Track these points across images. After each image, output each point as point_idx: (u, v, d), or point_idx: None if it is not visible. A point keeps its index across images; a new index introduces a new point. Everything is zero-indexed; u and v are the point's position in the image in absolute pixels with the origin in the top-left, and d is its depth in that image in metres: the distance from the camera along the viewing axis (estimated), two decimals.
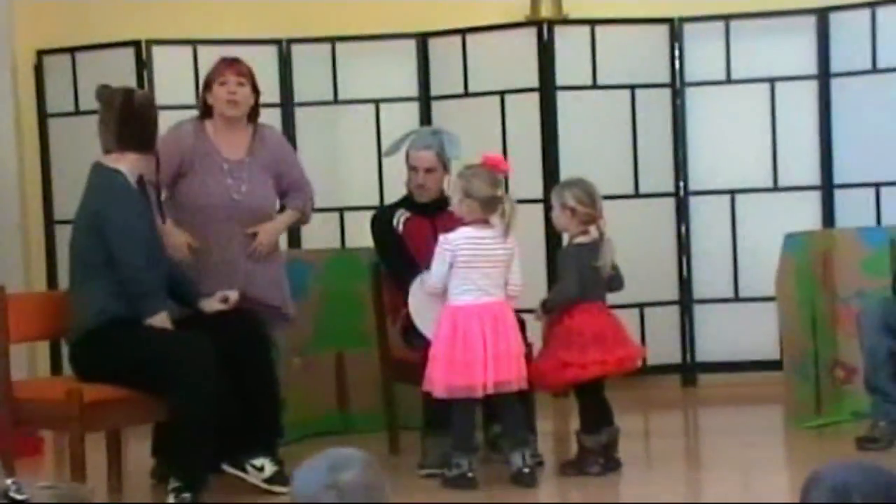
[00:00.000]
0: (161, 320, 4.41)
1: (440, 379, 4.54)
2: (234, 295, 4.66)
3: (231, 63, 4.84)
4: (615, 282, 4.83)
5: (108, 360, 4.37)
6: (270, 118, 6.08)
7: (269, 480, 4.56)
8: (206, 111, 4.86)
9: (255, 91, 4.87)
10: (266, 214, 4.90)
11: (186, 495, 4.28)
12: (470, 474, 4.55)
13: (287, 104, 6.47)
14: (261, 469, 4.55)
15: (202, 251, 4.77)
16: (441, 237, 4.69)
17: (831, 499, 1.80)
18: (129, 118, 4.45)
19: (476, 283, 4.57)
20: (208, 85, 4.84)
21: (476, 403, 4.60)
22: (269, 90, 6.24)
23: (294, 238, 6.38)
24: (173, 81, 6.24)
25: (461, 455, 4.56)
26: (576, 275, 4.70)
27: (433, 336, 4.64)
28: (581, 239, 4.77)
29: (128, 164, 4.46)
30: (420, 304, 4.79)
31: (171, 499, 4.29)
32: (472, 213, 4.62)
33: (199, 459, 4.35)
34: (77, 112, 6.42)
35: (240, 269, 4.80)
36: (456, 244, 4.60)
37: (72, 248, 4.56)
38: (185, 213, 4.80)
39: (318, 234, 6.42)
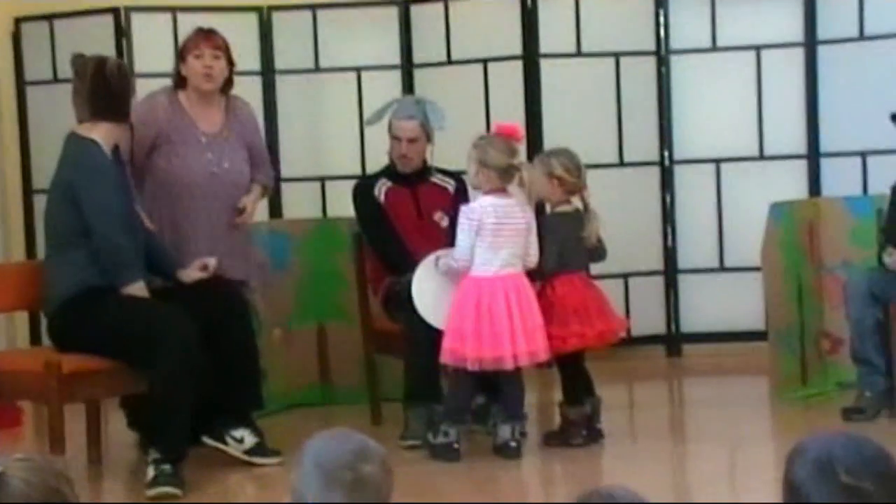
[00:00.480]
0: (139, 290, 4.38)
1: (471, 352, 4.48)
2: (212, 262, 4.64)
3: (207, 35, 4.78)
4: (598, 253, 4.82)
5: (85, 331, 4.35)
6: (251, 86, 6.05)
7: (249, 452, 4.56)
8: (180, 82, 4.81)
9: (231, 63, 4.83)
10: (244, 188, 4.88)
11: (166, 467, 4.27)
12: (456, 445, 4.55)
13: (268, 72, 6.42)
14: (241, 441, 4.55)
15: (181, 226, 4.73)
16: (463, 207, 4.64)
17: (814, 471, 1.79)
18: (102, 87, 4.42)
19: (499, 254, 4.53)
20: (183, 56, 4.78)
21: (476, 376, 4.57)
22: (250, 58, 6.21)
23: (275, 208, 6.35)
24: (153, 49, 6.17)
25: (450, 424, 4.55)
26: (556, 246, 4.68)
27: (443, 315, 4.58)
28: (563, 208, 4.76)
29: (102, 134, 4.43)
30: (425, 288, 4.70)
31: (151, 470, 4.28)
32: (490, 183, 4.57)
33: (178, 431, 4.33)
34: (55, 80, 6.35)
35: (219, 244, 4.76)
36: (480, 213, 4.54)
37: (47, 218, 4.53)
38: (162, 187, 4.75)
39: (299, 204, 6.39)
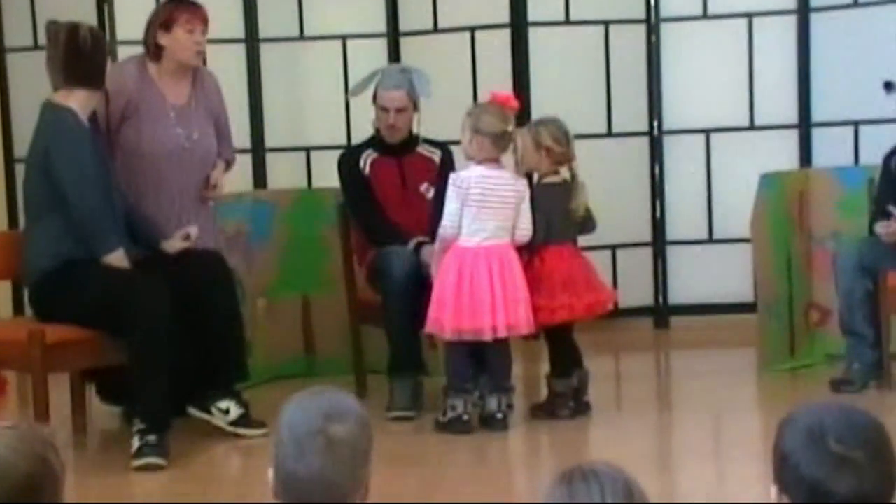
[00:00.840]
0: (117, 259, 4.36)
1: (449, 322, 4.49)
2: (193, 230, 4.61)
3: (197, 10, 4.73)
4: (587, 224, 4.80)
5: (65, 303, 4.34)
6: (234, 55, 6.02)
7: (234, 423, 4.55)
8: (156, 53, 4.73)
9: None
10: (213, 159, 4.85)
11: (151, 437, 4.26)
12: (465, 416, 4.53)
13: (251, 40, 6.36)
14: (226, 412, 4.54)
15: (151, 198, 4.69)
16: (452, 175, 4.62)
17: (806, 440, 1.78)
18: (75, 54, 4.37)
19: (485, 225, 4.51)
20: (167, 26, 4.69)
21: (469, 345, 4.55)
22: (233, 26, 6.16)
23: (259, 178, 6.31)
24: (135, 15, 6.10)
25: (456, 396, 4.53)
26: (543, 218, 4.66)
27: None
28: (551, 179, 4.73)
29: (77, 101, 4.39)
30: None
31: (136, 441, 4.27)
32: (483, 151, 4.53)
33: (157, 399, 4.31)
34: (36, 47, 6.29)
35: (190, 217, 4.73)
36: (468, 183, 4.52)
37: (24, 189, 4.51)
38: (132, 160, 4.70)
39: (284, 174, 6.35)
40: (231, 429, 4.54)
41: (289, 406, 1.95)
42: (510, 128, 4.56)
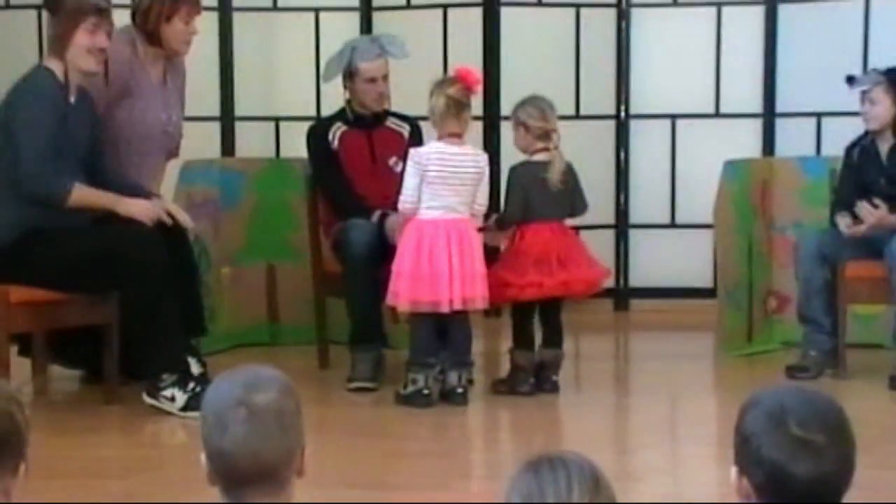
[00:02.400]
0: (79, 195, 4.27)
1: (405, 293, 4.47)
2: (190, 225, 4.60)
3: (197, 2, 4.70)
4: (577, 204, 4.77)
5: (33, 273, 4.27)
6: (207, 24, 5.93)
7: (184, 409, 4.34)
8: (153, 38, 4.67)
9: None
10: (181, 138, 4.85)
11: (196, 386, 4.26)
12: (426, 391, 4.51)
13: (225, 9, 6.30)
14: (172, 399, 4.36)
15: (130, 175, 4.64)
16: (411, 150, 4.60)
17: (767, 422, 1.78)
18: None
19: (444, 200, 4.49)
20: (169, 18, 4.62)
21: (433, 319, 4.54)
22: None
23: (227, 145, 6.27)
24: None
25: (418, 370, 4.52)
26: (520, 195, 4.65)
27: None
28: (538, 157, 4.71)
29: (61, 68, 4.31)
30: None
31: (178, 393, 4.27)
32: (443, 123, 4.51)
33: (181, 348, 4.34)
34: (8, 6, 6.22)
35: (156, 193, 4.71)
36: (426, 158, 4.50)
37: None
38: (118, 137, 4.65)
39: (253, 143, 6.31)
40: (181, 415, 4.32)
41: (209, 388, 1.91)
42: (465, 99, 4.52)
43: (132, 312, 4.30)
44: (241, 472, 1.83)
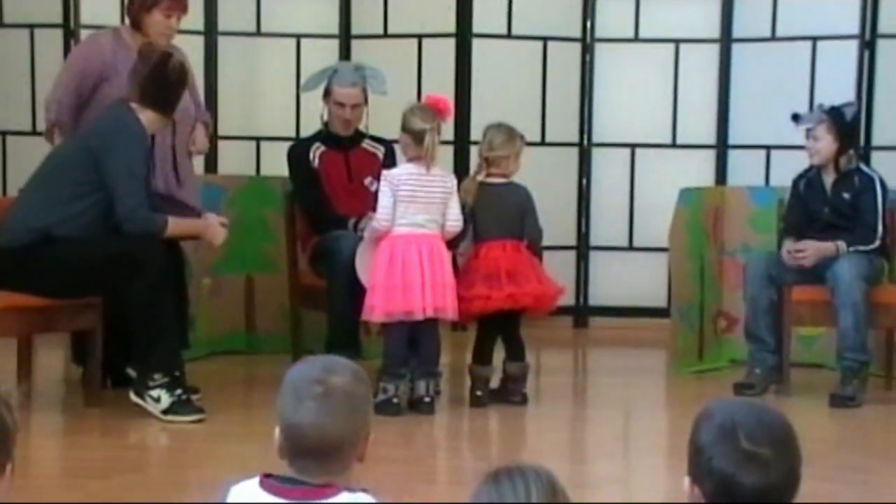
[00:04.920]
0: (175, 224, 4.40)
1: (379, 305, 4.48)
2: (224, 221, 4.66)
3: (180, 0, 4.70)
4: (532, 230, 4.78)
5: (38, 277, 4.26)
6: (193, 46, 5.92)
7: (166, 411, 4.31)
8: (136, 25, 4.68)
9: None
10: (192, 117, 4.81)
11: (181, 392, 4.27)
12: (395, 400, 4.50)
13: (210, 33, 6.29)
14: (157, 400, 4.32)
15: None
16: (384, 172, 4.62)
17: (717, 435, 1.78)
18: (159, 78, 4.38)
19: (414, 218, 4.51)
20: (148, 7, 4.64)
21: (406, 330, 4.54)
22: (194, 18, 6.05)
23: (210, 163, 6.25)
24: (97, 5, 6.02)
25: (388, 380, 4.51)
26: (474, 215, 4.67)
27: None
28: (493, 179, 4.74)
29: (146, 119, 4.38)
30: (365, 258, 4.63)
31: (163, 394, 4.25)
32: (407, 149, 4.56)
33: (176, 353, 4.34)
34: (2, 25, 6.19)
35: (175, 172, 4.71)
36: (397, 179, 4.52)
37: (55, 159, 4.44)
38: None
39: (235, 161, 6.29)
40: (164, 417, 4.30)
41: (291, 369, 1.97)
42: (429, 126, 4.53)
43: (135, 312, 4.27)
44: (309, 445, 1.88)
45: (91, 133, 4.41)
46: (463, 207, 4.64)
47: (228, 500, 1.92)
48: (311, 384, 1.90)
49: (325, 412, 1.88)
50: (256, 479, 1.91)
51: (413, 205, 4.51)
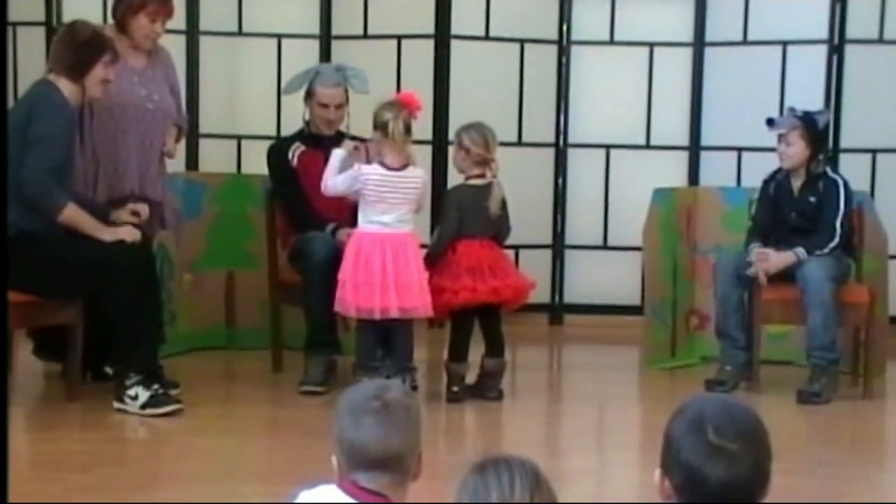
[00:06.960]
0: (73, 213, 4.27)
1: (351, 301, 4.48)
2: (144, 210, 4.54)
3: (166, 4, 4.68)
4: (503, 227, 4.79)
5: (19, 275, 4.17)
6: (175, 45, 5.89)
7: (144, 406, 4.30)
8: (121, 27, 4.66)
9: None
10: (171, 118, 4.80)
11: (158, 387, 4.28)
12: None
13: (192, 32, 6.27)
14: (135, 398, 4.32)
15: (116, 150, 4.61)
16: (357, 165, 4.60)
17: (687, 429, 1.79)
18: (65, 45, 4.35)
19: (383, 218, 4.51)
20: (135, 10, 4.63)
21: (377, 324, 4.53)
22: (176, 18, 6.00)
23: (192, 161, 6.22)
24: (79, 3, 5.98)
25: (363, 374, 4.49)
26: (455, 215, 4.67)
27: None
28: (475, 181, 4.73)
29: (62, 86, 4.32)
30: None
31: (140, 391, 4.24)
32: (380, 144, 4.55)
33: (155, 351, 4.33)
34: None
35: (149, 169, 4.69)
36: (364, 178, 4.51)
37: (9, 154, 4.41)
38: (100, 114, 4.60)
39: (216, 159, 6.27)
40: (142, 413, 4.27)
41: (343, 394, 2.02)
42: (392, 115, 4.49)
43: (115, 317, 4.25)
44: (373, 457, 1.92)
45: (15, 113, 4.34)
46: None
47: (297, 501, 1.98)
48: (368, 401, 1.94)
49: (386, 423, 1.92)
50: (332, 485, 1.97)
51: (380, 204, 4.51)
